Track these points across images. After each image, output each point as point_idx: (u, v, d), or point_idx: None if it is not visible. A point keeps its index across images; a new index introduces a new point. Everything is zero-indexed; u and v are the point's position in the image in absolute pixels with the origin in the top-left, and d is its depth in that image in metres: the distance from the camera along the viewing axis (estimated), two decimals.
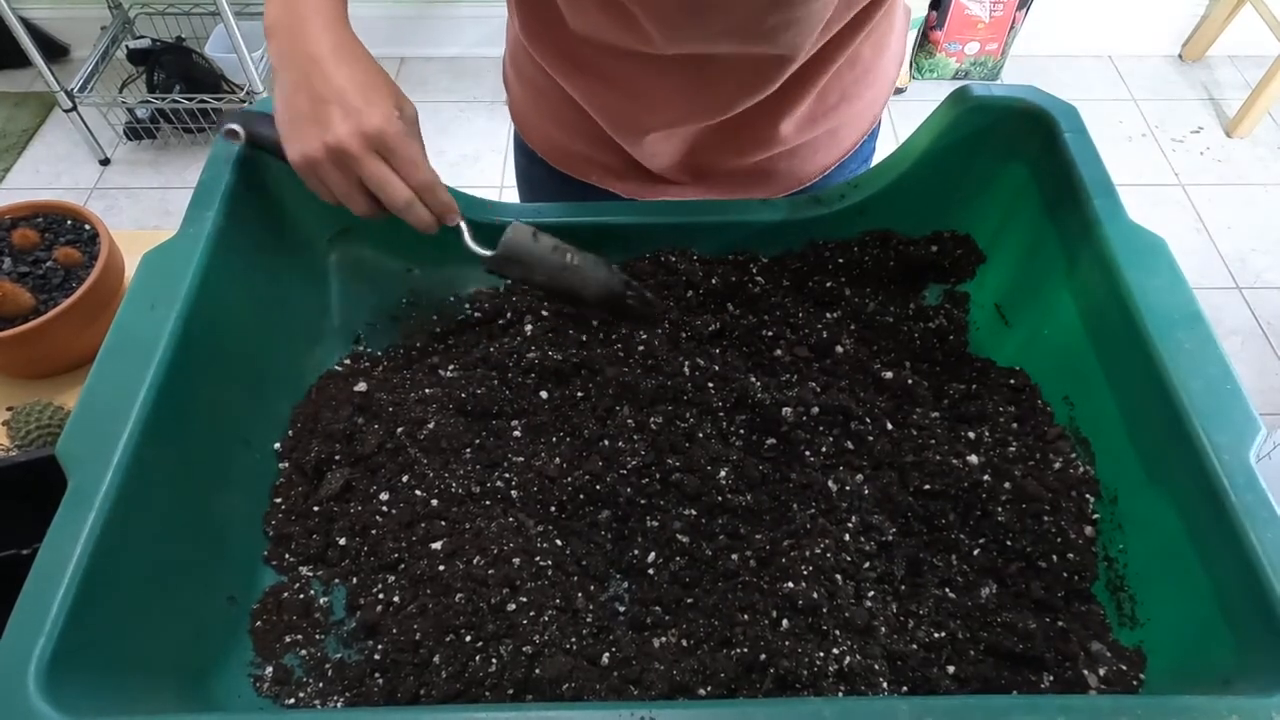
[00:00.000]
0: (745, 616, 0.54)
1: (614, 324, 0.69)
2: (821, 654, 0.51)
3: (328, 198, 0.59)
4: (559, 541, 0.59)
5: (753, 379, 0.66)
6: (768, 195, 0.83)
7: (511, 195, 0.97)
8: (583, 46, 0.72)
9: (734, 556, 0.58)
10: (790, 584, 0.55)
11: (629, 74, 0.72)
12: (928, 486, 0.61)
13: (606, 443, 0.63)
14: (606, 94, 0.74)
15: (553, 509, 0.61)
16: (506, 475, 0.63)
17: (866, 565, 0.57)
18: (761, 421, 0.64)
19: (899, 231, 0.73)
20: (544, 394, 0.67)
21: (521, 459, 0.64)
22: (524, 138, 0.88)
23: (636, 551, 0.58)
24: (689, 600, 0.56)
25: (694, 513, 0.60)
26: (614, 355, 0.68)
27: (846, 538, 0.58)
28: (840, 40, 0.70)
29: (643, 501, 0.60)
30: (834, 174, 0.85)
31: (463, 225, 0.63)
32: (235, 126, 0.62)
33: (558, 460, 0.63)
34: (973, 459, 0.62)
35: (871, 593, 0.56)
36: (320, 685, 0.54)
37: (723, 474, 0.61)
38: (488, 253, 0.63)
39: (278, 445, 0.64)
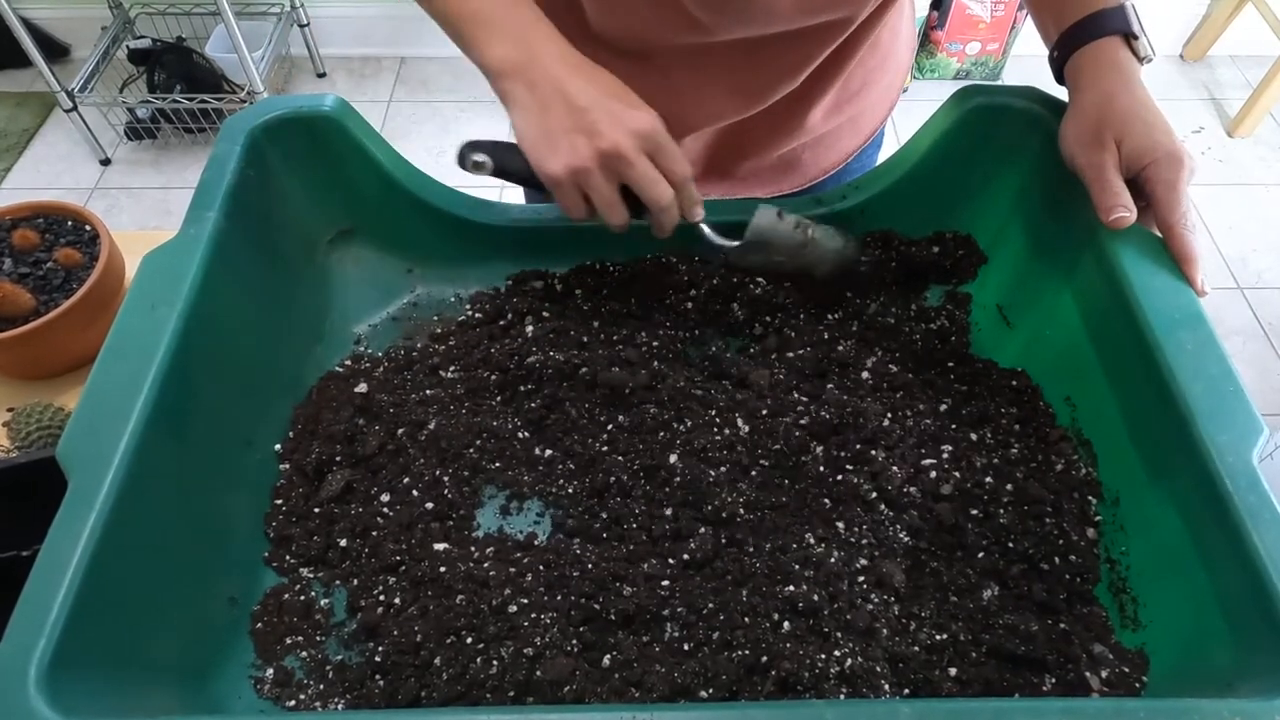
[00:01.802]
0: (747, 619, 0.54)
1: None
2: (823, 656, 0.51)
3: (580, 213, 0.60)
4: (560, 543, 0.59)
5: (756, 380, 0.65)
6: (789, 187, 0.83)
7: (511, 195, 0.97)
8: (605, 53, 0.72)
9: (735, 558, 0.57)
10: (791, 586, 0.55)
11: (660, 77, 0.71)
12: (929, 488, 0.60)
13: (607, 444, 0.63)
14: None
15: (554, 510, 0.61)
16: (509, 475, 0.63)
17: (868, 567, 0.57)
18: (762, 423, 0.64)
19: (900, 232, 0.73)
20: (545, 395, 0.66)
21: (523, 460, 0.63)
22: None
23: (637, 551, 0.58)
24: (691, 602, 0.56)
25: (694, 513, 0.59)
26: (615, 356, 0.67)
27: (849, 539, 0.58)
28: (866, 24, 0.70)
29: (644, 502, 0.60)
30: (853, 162, 0.85)
31: (703, 223, 0.64)
32: (482, 158, 0.61)
33: (557, 464, 0.62)
34: (975, 460, 0.62)
35: (873, 595, 0.55)
36: (321, 687, 0.54)
37: (723, 471, 0.61)
38: (734, 244, 0.64)
39: (278, 446, 0.64)
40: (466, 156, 0.62)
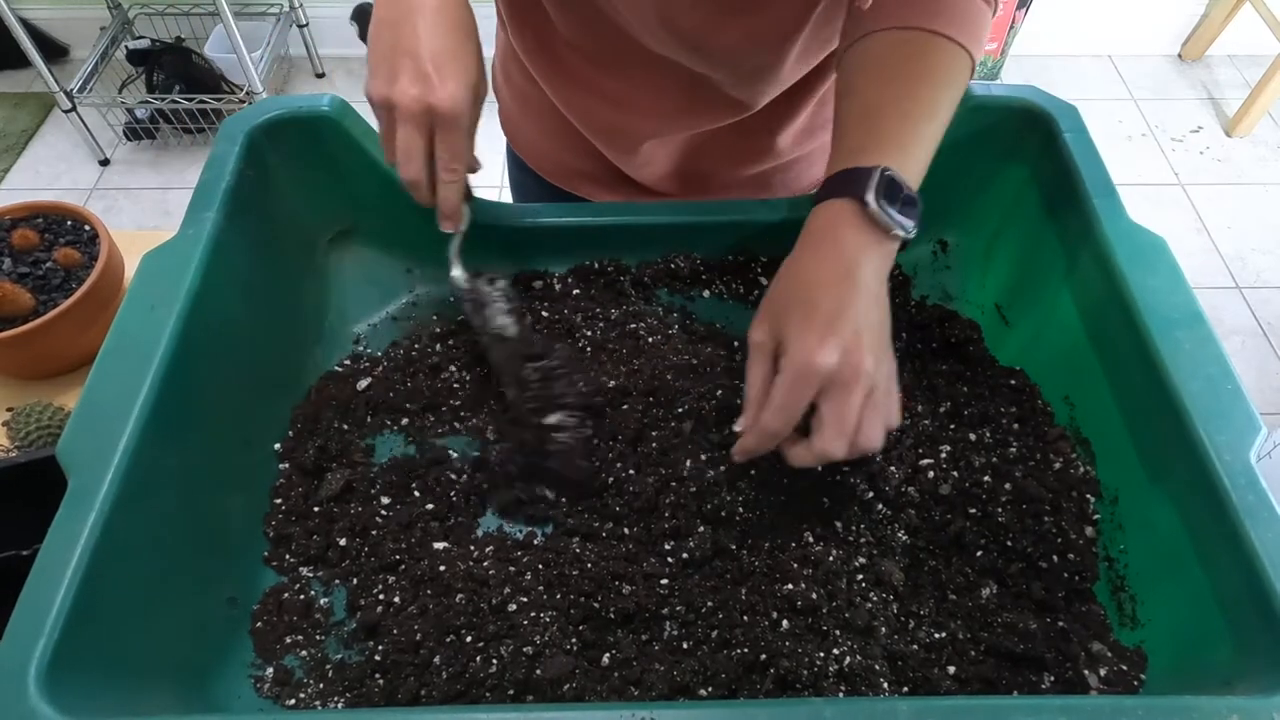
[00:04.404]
0: (746, 617, 0.54)
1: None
2: (822, 654, 0.51)
3: (389, 149, 0.58)
4: (560, 542, 0.59)
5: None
6: None
7: (511, 195, 0.97)
8: (573, 55, 0.72)
9: (734, 557, 0.57)
10: (790, 585, 0.55)
11: (621, 82, 0.72)
12: (927, 488, 0.61)
13: (608, 445, 0.63)
14: (597, 105, 0.75)
15: (555, 510, 0.61)
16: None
17: (867, 566, 0.57)
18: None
19: None
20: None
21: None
22: (514, 147, 0.88)
23: (636, 550, 0.58)
24: (690, 601, 0.56)
25: (693, 512, 0.59)
26: (616, 357, 0.68)
27: (847, 538, 0.58)
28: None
29: (645, 501, 0.60)
30: None
31: (456, 238, 0.63)
32: (355, 26, 0.62)
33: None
34: (973, 460, 0.62)
35: (872, 593, 0.56)
36: (321, 686, 0.54)
37: (722, 471, 0.61)
38: (458, 272, 0.64)
39: (278, 446, 0.64)
40: (355, 15, 0.63)
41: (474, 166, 0.60)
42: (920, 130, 0.54)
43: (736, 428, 0.54)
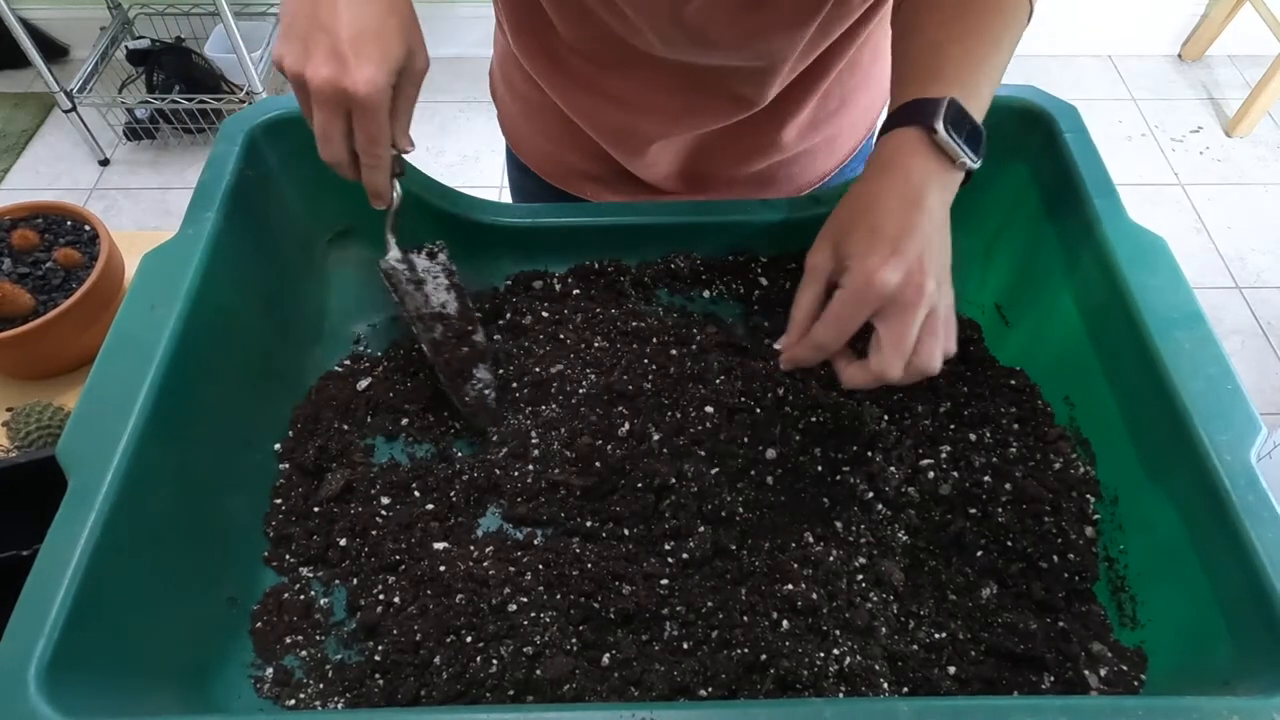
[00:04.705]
0: (746, 617, 0.54)
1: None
2: (822, 654, 0.51)
3: (309, 120, 0.55)
4: (560, 542, 0.59)
5: (753, 382, 0.65)
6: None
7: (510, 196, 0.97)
8: (575, 58, 0.72)
9: (734, 557, 0.57)
10: (790, 585, 0.55)
11: (625, 83, 0.72)
12: (927, 488, 0.61)
13: (608, 445, 0.63)
14: (603, 107, 0.74)
15: (555, 510, 0.61)
16: (513, 475, 0.63)
17: (867, 566, 0.57)
18: (761, 422, 0.64)
19: None
20: (547, 397, 0.67)
21: (529, 463, 0.64)
22: (515, 151, 0.87)
23: (636, 551, 0.58)
24: (690, 601, 0.56)
25: (693, 513, 0.59)
26: (616, 357, 0.68)
27: (847, 539, 0.58)
28: (839, 46, 0.70)
29: (643, 501, 0.60)
30: (830, 181, 0.85)
31: (389, 215, 0.61)
32: None
33: (556, 469, 0.62)
34: (973, 460, 0.62)
35: (872, 594, 0.55)
36: (321, 686, 0.54)
37: (719, 471, 0.61)
38: (393, 252, 0.63)
39: (278, 446, 0.64)
40: None
41: (402, 147, 0.57)
42: (985, 64, 0.54)
43: (777, 345, 0.55)
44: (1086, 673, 0.53)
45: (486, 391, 0.64)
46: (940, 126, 0.51)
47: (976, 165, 0.53)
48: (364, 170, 0.56)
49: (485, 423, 0.64)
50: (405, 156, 0.59)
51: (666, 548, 0.58)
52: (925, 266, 0.49)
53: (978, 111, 0.53)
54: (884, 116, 0.56)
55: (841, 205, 0.54)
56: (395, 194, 0.60)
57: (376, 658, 0.54)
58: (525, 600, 0.55)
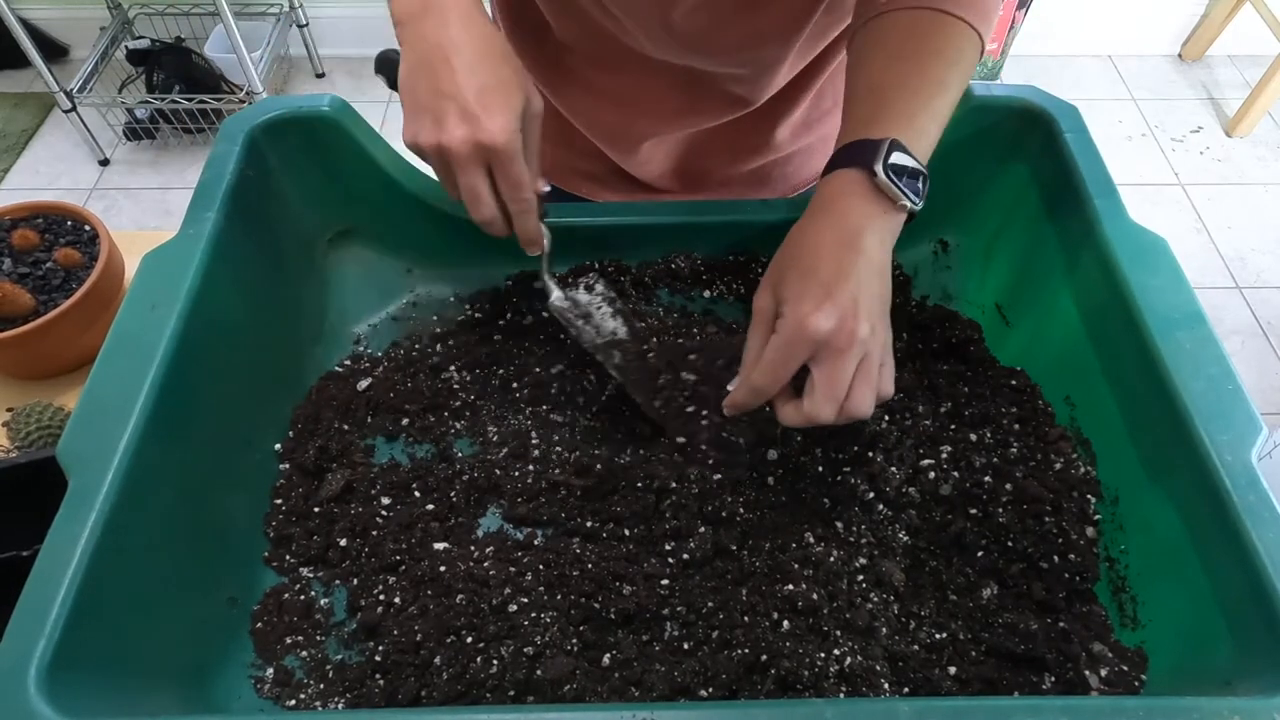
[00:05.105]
0: (746, 618, 0.54)
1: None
2: (823, 655, 0.51)
3: (450, 188, 0.57)
4: (561, 542, 0.59)
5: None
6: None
7: None
8: (569, 56, 0.72)
9: (735, 557, 0.57)
10: (791, 585, 0.55)
11: (619, 82, 0.72)
12: (928, 488, 0.61)
13: (609, 446, 0.63)
14: (596, 105, 0.74)
15: (556, 510, 0.61)
16: (513, 475, 0.63)
17: (867, 566, 0.57)
18: (762, 422, 0.64)
19: None
20: (547, 397, 0.67)
21: (529, 463, 0.63)
22: None
23: (637, 551, 0.58)
24: (690, 601, 0.56)
25: (694, 513, 0.59)
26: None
27: (848, 539, 0.58)
28: (834, 46, 0.70)
29: (646, 502, 0.60)
30: None
31: (544, 259, 0.63)
32: (381, 76, 0.60)
33: (556, 469, 0.62)
34: (974, 460, 0.62)
35: (872, 594, 0.55)
36: (321, 686, 0.54)
37: (721, 476, 0.61)
38: (556, 294, 0.64)
39: (278, 446, 0.64)
40: (378, 66, 0.61)
41: (540, 191, 0.59)
42: (930, 105, 0.54)
43: (730, 386, 0.56)
44: (1087, 673, 0.53)
45: (679, 401, 0.64)
46: (879, 169, 0.51)
47: (918, 207, 0.53)
48: (515, 218, 0.58)
49: (678, 431, 0.63)
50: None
51: (667, 548, 0.58)
52: (858, 311, 0.49)
53: (922, 152, 0.53)
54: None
55: (782, 247, 0.55)
56: (546, 237, 0.62)
57: (377, 658, 0.54)
58: (526, 600, 0.55)
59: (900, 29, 0.56)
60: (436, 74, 0.53)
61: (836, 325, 0.48)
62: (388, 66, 0.60)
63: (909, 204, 0.52)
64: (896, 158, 0.51)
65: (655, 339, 0.67)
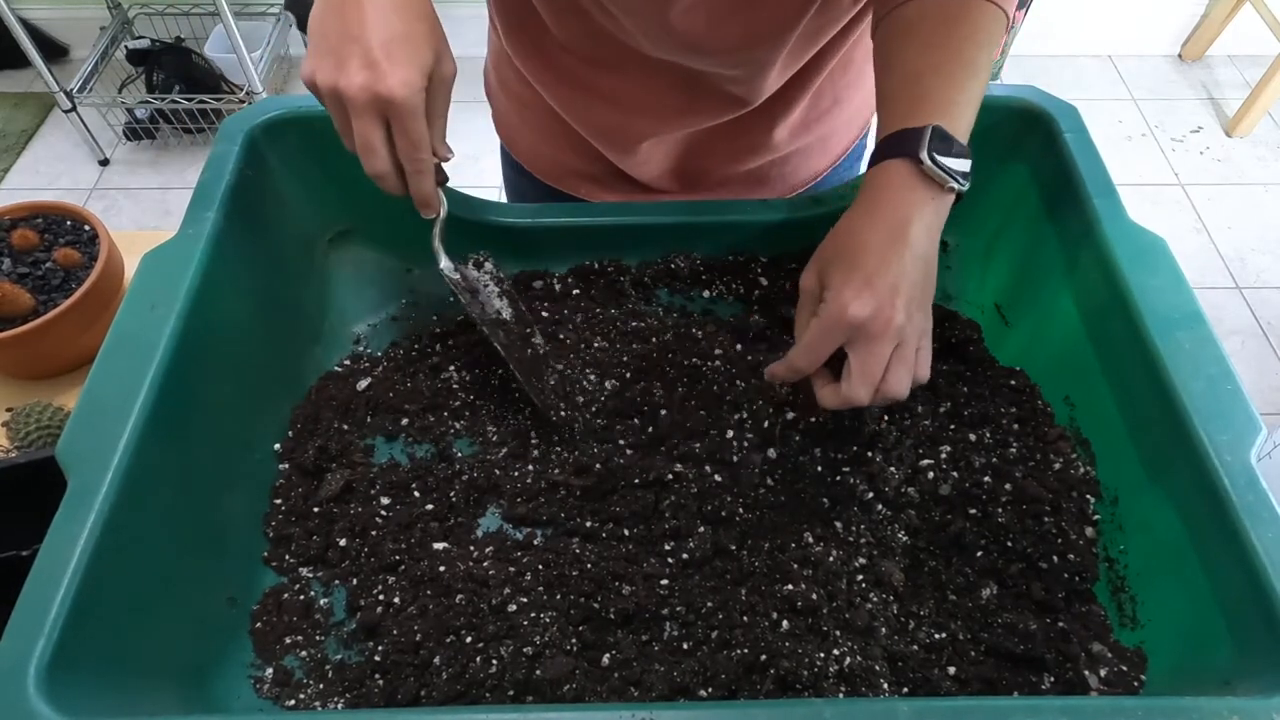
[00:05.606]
0: (746, 618, 0.54)
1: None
2: (822, 655, 0.51)
3: (343, 135, 0.56)
4: (560, 542, 0.59)
5: (753, 381, 0.65)
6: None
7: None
8: (567, 56, 0.72)
9: (734, 557, 0.57)
10: (790, 585, 0.55)
11: (617, 82, 0.72)
12: (927, 488, 0.61)
13: (608, 446, 0.63)
14: (594, 105, 0.74)
15: (555, 510, 0.61)
16: (513, 475, 0.63)
17: (867, 566, 0.57)
18: (761, 422, 0.64)
19: None
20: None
21: (529, 463, 0.63)
22: (510, 150, 0.87)
23: (636, 551, 0.58)
24: (690, 601, 0.56)
25: (693, 513, 0.59)
26: (616, 357, 0.68)
27: (847, 539, 0.58)
28: (831, 46, 0.70)
29: (645, 502, 0.60)
30: (824, 180, 0.85)
31: (437, 224, 0.62)
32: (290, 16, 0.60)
33: (556, 469, 0.62)
34: (973, 460, 0.62)
35: (872, 594, 0.55)
36: (320, 686, 0.54)
37: (720, 476, 0.61)
38: (445, 262, 0.63)
39: (278, 446, 0.64)
40: (289, 3, 0.61)
41: (441, 154, 0.58)
42: (966, 89, 0.55)
43: (767, 371, 0.58)
44: (1086, 673, 0.53)
45: (565, 388, 0.66)
46: (925, 155, 0.52)
47: (965, 188, 0.54)
48: (409, 178, 0.57)
49: (565, 419, 0.65)
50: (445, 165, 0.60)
51: (666, 548, 0.58)
52: (896, 301, 0.51)
53: (962, 134, 0.54)
54: (875, 121, 0.57)
55: (831, 233, 0.56)
56: (442, 204, 0.61)
57: (376, 658, 0.54)
58: (525, 600, 0.55)
59: (931, 15, 0.57)
60: (347, 17, 0.52)
61: (873, 313, 0.51)
62: (299, 5, 0.59)
63: (956, 186, 0.53)
64: (940, 143, 0.52)
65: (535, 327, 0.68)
